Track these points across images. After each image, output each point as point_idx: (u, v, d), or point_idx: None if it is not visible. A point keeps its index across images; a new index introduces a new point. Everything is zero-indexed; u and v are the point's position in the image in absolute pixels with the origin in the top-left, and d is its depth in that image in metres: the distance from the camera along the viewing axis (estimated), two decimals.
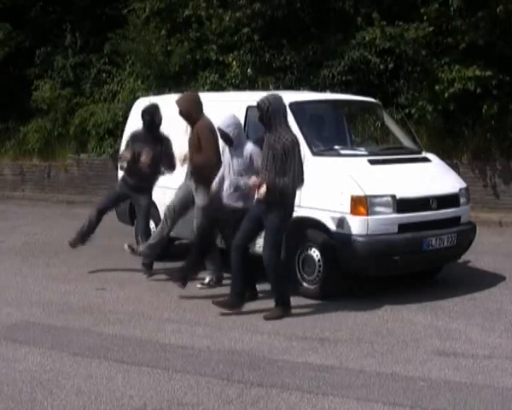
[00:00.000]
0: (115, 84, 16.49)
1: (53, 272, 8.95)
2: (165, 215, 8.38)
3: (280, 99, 6.94)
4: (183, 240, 9.24)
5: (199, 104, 8.00)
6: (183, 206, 8.24)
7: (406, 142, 8.75)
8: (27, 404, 4.94)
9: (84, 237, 8.93)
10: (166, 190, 8.65)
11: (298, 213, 7.32)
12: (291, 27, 14.46)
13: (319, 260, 7.46)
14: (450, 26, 12.79)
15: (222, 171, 7.43)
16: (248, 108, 8.02)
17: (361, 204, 7.19)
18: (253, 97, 7.39)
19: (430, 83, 12.92)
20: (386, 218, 7.28)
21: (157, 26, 15.41)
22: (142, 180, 8.62)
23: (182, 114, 8.01)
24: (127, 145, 8.97)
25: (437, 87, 12.64)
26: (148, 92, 14.42)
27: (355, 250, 7.19)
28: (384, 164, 7.75)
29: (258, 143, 7.11)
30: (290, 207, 6.91)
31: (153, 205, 9.01)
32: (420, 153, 8.41)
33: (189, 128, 8.13)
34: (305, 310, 7.15)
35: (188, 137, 8.06)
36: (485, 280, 8.32)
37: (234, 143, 7.23)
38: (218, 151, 7.74)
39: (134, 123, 9.43)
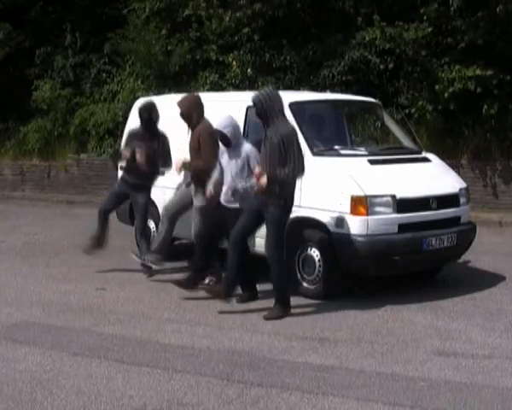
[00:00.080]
0: (115, 84, 16.50)
1: (53, 272, 8.95)
2: (162, 216, 8.39)
3: (273, 92, 6.98)
4: (183, 240, 9.24)
5: (200, 107, 7.99)
6: (182, 206, 8.25)
7: (406, 142, 8.75)
8: (27, 404, 4.94)
9: (99, 240, 8.88)
10: (166, 189, 8.66)
11: (298, 213, 7.32)
12: (291, 27, 14.46)
13: (319, 260, 7.46)
14: (450, 26, 12.79)
15: (217, 172, 7.43)
16: (248, 109, 8.02)
17: (361, 204, 7.19)
18: None
19: (430, 83, 12.93)
20: (386, 218, 7.28)
21: (157, 26, 15.41)
22: (141, 178, 8.62)
23: (183, 115, 8.01)
24: (126, 144, 9.01)
25: (437, 87, 12.64)
26: (148, 92, 14.42)
27: (355, 250, 7.18)
28: (384, 164, 7.75)
29: (258, 145, 7.11)
30: (290, 197, 6.90)
31: (152, 204, 9.02)
32: (420, 153, 8.41)
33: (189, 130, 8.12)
34: (305, 310, 7.16)
35: (188, 140, 8.05)
36: (485, 280, 8.32)
37: (232, 144, 7.24)
38: (218, 155, 7.74)
39: (134, 123, 9.42)
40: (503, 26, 12.39)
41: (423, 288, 7.92)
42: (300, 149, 6.84)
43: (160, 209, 8.81)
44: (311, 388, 5.17)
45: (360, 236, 7.19)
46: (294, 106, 7.81)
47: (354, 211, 7.20)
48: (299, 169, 6.77)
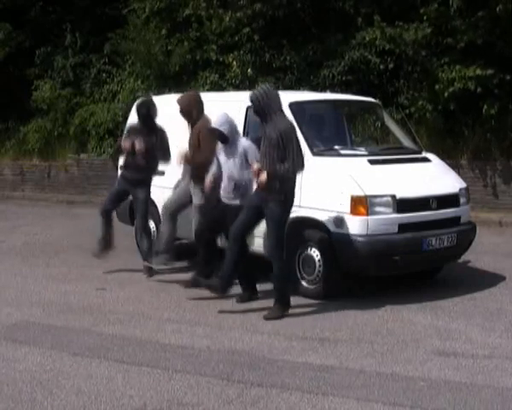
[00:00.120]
0: (115, 84, 16.49)
1: (53, 272, 8.95)
2: (162, 216, 8.40)
3: (270, 89, 6.98)
4: (183, 240, 9.23)
5: (200, 104, 8.02)
6: (180, 204, 8.25)
7: (406, 142, 8.75)
8: (27, 404, 4.94)
9: (106, 242, 8.88)
10: (165, 189, 8.66)
11: (298, 213, 7.32)
12: (291, 27, 14.46)
13: (319, 260, 7.46)
14: (450, 26, 12.79)
15: (214, 169, 7.44)
16: (248, 109, 8.02)
17: (361, 204, 7.19)
18: None
19: (430, 83, 12.92)
20: (386, 218, 7.28)
21: (157, 26, 15.40)
22: (139, 172, 8.62)
23: (182, 112, 8.02)
24: (125, 138, 9.01)
25: (437, 87, 12.64)
26: (148, 92, 14.41)
27: (355, 250, 7.18)
28: (384, 164, 7.75)
29: (258, 142, 7.11)
30: (290, 192, 6.89)
31: (152, 204, 9.01)
32: (420, 153, 8.41)
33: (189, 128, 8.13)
34: (305, 310, 7.15)
35: (188, 137, 8.06)
36: (485, 280, 8.32)
37: (229, 141, 7.27)
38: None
39: (133, 122, 9.41)
40: (503, 26, 12.38)
41: (423, 288, 7.92)
42: (299, 144, 6.84)
43: (160, 209, 8.80)
44: (311, 388, 5.17)
45: (360, 236, 7.19)
46: (294, 106, 7.82)
47: (354, 211, 7.20)
48: (298, 164, 6.76)
